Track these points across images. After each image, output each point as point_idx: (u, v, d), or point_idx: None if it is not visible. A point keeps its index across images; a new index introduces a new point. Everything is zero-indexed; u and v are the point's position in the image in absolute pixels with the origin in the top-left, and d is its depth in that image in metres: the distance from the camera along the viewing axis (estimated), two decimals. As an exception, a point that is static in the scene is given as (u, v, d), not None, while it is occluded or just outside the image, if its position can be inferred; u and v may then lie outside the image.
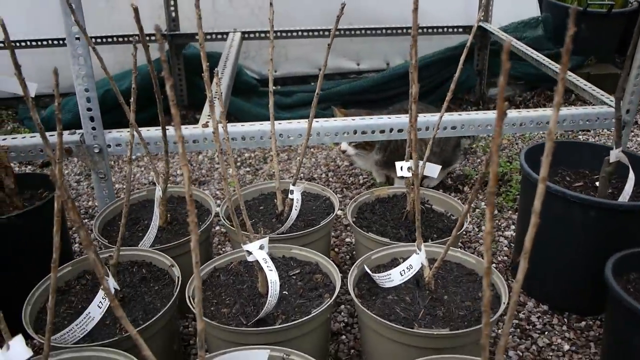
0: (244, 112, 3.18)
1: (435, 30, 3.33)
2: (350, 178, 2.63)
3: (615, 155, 1.65)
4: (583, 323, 1.71)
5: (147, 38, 3.23)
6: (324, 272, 1.50)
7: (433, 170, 1.78)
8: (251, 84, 3.34)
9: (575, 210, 1.60)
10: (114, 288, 1.38)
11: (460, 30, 3.36)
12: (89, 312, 1.32)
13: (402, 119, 1.99)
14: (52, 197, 1.84)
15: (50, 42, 3.08)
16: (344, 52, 3.49)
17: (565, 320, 1.73)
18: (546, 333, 1.67)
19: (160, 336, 1.36)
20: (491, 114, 2.03)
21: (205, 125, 1.94)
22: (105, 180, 1.95)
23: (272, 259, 1.53)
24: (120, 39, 3.15)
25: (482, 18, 3.32)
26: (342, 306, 1.78)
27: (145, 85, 1.76)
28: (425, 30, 3.27)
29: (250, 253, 1.34)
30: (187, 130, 1.93)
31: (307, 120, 1.69)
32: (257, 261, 1.36)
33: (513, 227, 2.19)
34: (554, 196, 1.59)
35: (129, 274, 1.55)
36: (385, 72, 3.43)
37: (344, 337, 1.65)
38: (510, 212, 2.30)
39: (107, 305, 1.34)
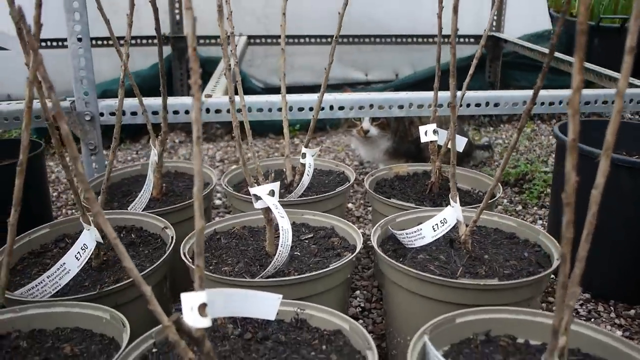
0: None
1: (446, 40, 3.23)
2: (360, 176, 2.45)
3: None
4: (632, 311, 1.50)
5: (148, 41, 3.14)
6: (341, 236, 1.30)
7: (459, 142, 1.61)
8: (255, 91, 3.22)
9: (623, 177, 1.42)
10: (96, 242, 1.17)
11: (472, 40, 3.28)
12: (64, 263, 1.11)
13: (423, 95, 1.83)
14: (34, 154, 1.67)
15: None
16: (352, 62, 3.39)
17: (612, 308, 1.51)
18: (592, 320, 1.45)
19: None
20: (516, 92, 1.88)
21: (209, 96, 1.78)
22: (96, 152, 1.76)
23: (281, 225, 1.34)
24: (122, 42, 3.04)
25: (493, 28, 3.24)
26: (358, 291, 1.56)
27: (145, 87, 1.63)
28: (434, 40, 3.18)
29: (258, 198, 1.14)
30: (190, 99, 1.76)
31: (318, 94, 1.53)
32: (266, 210, 1.16)
33: (540, 222, 2.00)
34: (595, 159, 1.42)
35: (116, 238, 1.34)
36: (394, 82, 3.32)
37: (361, 321, 1.43)
38: (535, 208, 2.11)
39: (87, 258, 1.14)
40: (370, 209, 2.07)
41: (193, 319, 0.73)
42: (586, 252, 0.77)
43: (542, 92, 1.87)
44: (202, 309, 0.73)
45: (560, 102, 1.89)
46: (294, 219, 1.38)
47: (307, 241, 1.29)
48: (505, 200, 2.17)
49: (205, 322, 0.73)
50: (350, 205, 2.11)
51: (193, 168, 1.80)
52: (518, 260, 1.17)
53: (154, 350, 0.91)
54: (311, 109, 1.76)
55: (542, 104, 1.87)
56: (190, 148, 2.79)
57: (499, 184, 1.55)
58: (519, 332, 0.96)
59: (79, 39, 1.64)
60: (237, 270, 1.16)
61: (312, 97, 1.77)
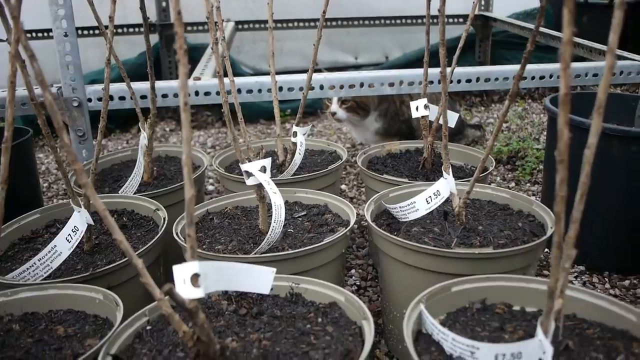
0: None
1: (434, 20, 3.21)
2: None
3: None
4: (627, 282, 1.50)
5: (135, 29, 3.09)
6: (335, 213, 1.29)
7: (451, 117, 1.60)
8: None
9: (614, 146, 1.41)
10: (88, 224, 1.16)
11: (461, 20, 3.26)
12: (55, 246, 1.09)
13: (414, 72, 1.82)
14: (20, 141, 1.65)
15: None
16: (342, 45, 3.37)
17: (606, 279, 1.52)
18: (588, 291, 1.45)
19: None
20: (506, 67, 1.87)
21: (198, 78, 1.76)
22: (85, 139, 1.74)
23: (274, 204, 1.33)
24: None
25: (482, 7, 3.22)
26: (353, 270, 1.56)
27: (133, 76, 1.60)
28: (424, 21, 3.16)
29: (250, 175, 1.13)
30: (178, 82, 1.75)
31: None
32: (257, 187, 1.15)
33: (533, 198, 2.00)
34: (587, 131, 1.41)
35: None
36: (384, 65, 3.30)
37: (356, 298, 1.42)
38: (528, 184, 2.11)
39: (78, 240, 1.12)
40: (363, 189, 2.06)
41: (186, 290, 0.72)
42: (580, 213, 0.76)
43: (532, 67, 1.86)
44: (195, 279, 0.72)
45: (551, 76, 1.89)
46: (287, 198, 1.37)
47: (300, 219, 1.28)
48: (498, 178, 2.17)
49: (198, 293, 0.72)
50: (343, 186, 2.10)
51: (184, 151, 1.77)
52: (512, 230, 1.16)
53: (148, 327, 0.90)
54: (301, 88, 1.74)
55: (533, 78, 1.87)
56: (181, 136, 2.77)
57: (492, 160, 1.54)
58: (515, 299, 0.95)
59: (63, 23, 1.62)
60: (230, 249, 1.15)
61: (301, 77, 1.75)
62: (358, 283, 1.49)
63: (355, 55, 3.42)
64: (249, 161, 1.13)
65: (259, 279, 0.88)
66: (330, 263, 1.12)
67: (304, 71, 1.61)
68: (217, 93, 1.72)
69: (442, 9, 1.15)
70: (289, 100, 3.05)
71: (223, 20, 3.07)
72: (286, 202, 1.36)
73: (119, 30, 3.01)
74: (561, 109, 0.69)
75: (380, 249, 1.17)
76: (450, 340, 0.80)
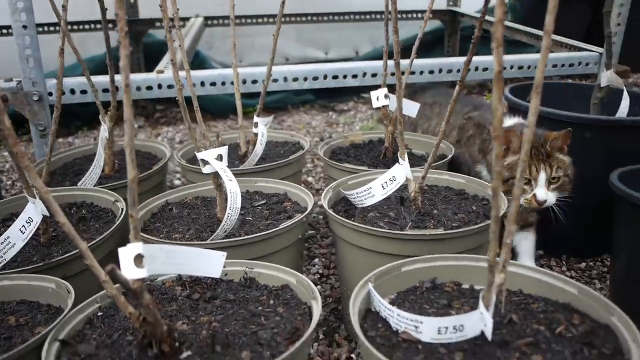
0: (205, 100, 3.00)
1: (403, 15, 3.24)
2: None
3: (606, 78, 1.53)
4: (583, 264, 1.54)
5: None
6: (294, 201, 1.30)
7: (412, 108, 1.63)
8: (215, 74, 3.18)
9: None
10: (43, 215, 1.15)
11: (430, 15, 3.28)
12: (8, 237, 1.08)
13: (376, 63, 1.84)
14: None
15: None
16: (312, 41, 3.38)
17: (564, 262, 1.56)
18: (546, 274, 1.49)
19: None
20: (479, 57, 1.90)
21: (161, 72, 1.75)
22: (46, 134, 1.72)
23: (235, 193, 1.34)
24: (75, 27, 2.97)
25: (450, 2, 3.26)
26: (317, 259, 1.57)
27: (100, 72, 1.59)
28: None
29: (206, 163, 1.14)
30: (141, 75, 1.74)
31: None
32: (214, 175, 1.16)
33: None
34: (544, 119, 1.45)
35: (66, 215, 1.32)
36: (354, 60, 3.32)
37: (319, 287, 1.44)
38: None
39: (32, 231, 1.11)
40: (330, 181, 2.07)
41: (130, 271, 0.72)
42: (520, 190, 0.79)
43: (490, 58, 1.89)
44: (139, 260, 0.72)
45: (512, 67, 1.92)
46: (248, 187, 1.37)
47: (260, 207, 1.28)
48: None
49: (142, 273, 0.72)
50: (310, 179, 2.11)
51: (149, 145, 1.78)
52: (466, 213, 1.19)
53: (100, 313, 0.90)
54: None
55: (485, 69, 1.90)
56: (149, 133, 2.76)
57: (452, 147, 1.57)
58: (465, 278, 0.98)
59: (22, 16, 1.60)
60: (187, 237, 1.15)
61: (265, 70, 1.76)
62: (321, 271, 1.50)
63: (326, 51, 3.43)
64: (205, 149, 1.14)
65: (209, 263, 0.88)
66: (287, 249, 1.13)
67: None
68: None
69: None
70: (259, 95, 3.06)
71: (192, 17, 3.02)
72: (247, 192, 1.37)
73: (87, 27, 2.98)
74: (494, 86, 0.71)
75: (336, 235, 1.19)
76: (395, 316, 0.82)
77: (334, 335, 1.24)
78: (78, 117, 2.90)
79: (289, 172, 1.49)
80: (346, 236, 1.14)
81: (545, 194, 1.34)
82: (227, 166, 1.20)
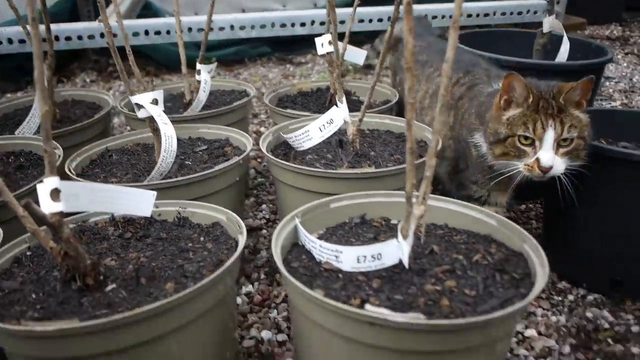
0: (158, 51, 2.93)
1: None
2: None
3: (549, 23, 1.55)
4: (523, 206, 1.60)
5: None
6: (235, 146, 1.31)
7: (358, 56, 1.63)
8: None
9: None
10: (-25, 161, 1.13)
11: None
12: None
13: (324, 11, 1.82)
14: None
15: None
16: (269, -7, 3.31)
17: (505, 205, 1.61)
18: (486, 216, 1.54)
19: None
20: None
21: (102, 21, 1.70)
22: (-15, 84, 1.67)
23: (178, 140, 1.33)
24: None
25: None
26: (264, 205, 1.58)
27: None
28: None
29: (140, 107, 1.12)
30: (83, 24, 1.69)
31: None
32: (150, 119, 1.15)
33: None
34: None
35: (3, 164, 1.30)
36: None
37: (264, 231, 1.46)
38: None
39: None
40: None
41: (47, 206, 0.73)
42: (441, 125, 0.81)
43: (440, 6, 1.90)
44: (55, 194, 0.72)
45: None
46: (190, 134, 1.37)
47: (201, 152, 1.29)
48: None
49: (58, 207, 0.72)
50: (262, 129, 2.11)
51: (93, 95, 1.75)
52: (402, 154, 1.21)
53: (28, 253, 0.90)
54: (211, 29, 1.72)
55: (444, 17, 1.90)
56: (102, 87, 2.69)
57: (396, 93, 1.59)
58: (393, 214, 1.00)
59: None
60: (124, 181, 1.15)
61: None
62: (267, 216, 1.52)
63: (284, 4, 3.37)
64: (139, 93, 1.13)
65: (139, 202, 0.89)
66: (225, 191, 1.14)
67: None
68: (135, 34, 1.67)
69: None
70: (215, 48, 3.01)
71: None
72: (189, 138, 1.37)
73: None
74: (404, 17, 0.72)
75: (276, 178, 1.20)
76: (318, 247, 0.85)
77: (275, 275, 1.27)
78: (28, 73, 2.81)
79: (234, 119, 1.49)
80: (284, 178, 1.15)
81: (551, 158, 1.07)
82: (172, 114, 1.19)
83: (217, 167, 1.10)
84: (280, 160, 1.11)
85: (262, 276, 1.27)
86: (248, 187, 1.70)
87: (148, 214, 0.89)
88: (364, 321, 0.68)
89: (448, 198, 1.00)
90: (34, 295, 0.78)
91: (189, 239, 0.93)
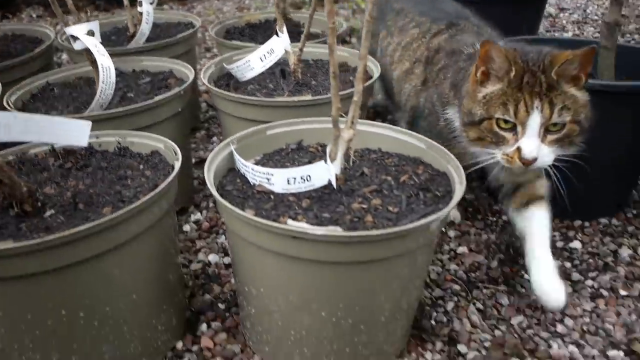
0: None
1: None
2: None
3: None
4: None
5: None
6: (179, 77, 1.31)
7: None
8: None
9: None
10: None
11: None
12: None
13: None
14: None
15: None
16: None
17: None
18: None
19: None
20: None
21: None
22: None
23: (121, 73, 1.32)
24: None
25: None
26: (214, 137, 1.61)
27: None
28: None
29: (76, 39, 1.11)
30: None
31: None
32: (87, 51, 1.14)
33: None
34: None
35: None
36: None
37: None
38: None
39: None
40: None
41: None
42: (366, 50, 0.83)
43: None
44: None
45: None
46: (134, 66, 1.36)
47: (144, 85, 1.28)
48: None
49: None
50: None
51: (34, 29, 1.71)
52: (343, 83, 1.24)
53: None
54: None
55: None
56: (49, 22, 2.60)
57: (343, 22, 1.59)
58: (330, 139, 1.04)
59: None
60: (65, 114, 1.15)
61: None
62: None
63: None
64: (74, 24, 1.11)
65: (74, 132, 0.90)
66: (168, 121, 1.15)
67: None
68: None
69: None
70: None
71: None
72: (133, 71, 1.36)
73: None
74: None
75: (219, 109, 1.22)
76: (250, 170, 0.88)
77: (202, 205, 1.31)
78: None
79: (179, 51, 1.47)
80: (226, 108, 1.17)
81: (536, 148, 0.89)
82: (116, 47, 1.17)
83: (157, 98, 1.11)
84: (219, 90, 1.13)
85: (211, 204, 1.31)
86: (199, 121, 1.71)
87: (84, 144, 0.91)
88: (287, 235, 0.73)
89: (382, 124, 1.04)
90: (-28, 223, 0.81)
91: (129, 167, 0.96)
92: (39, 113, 1.17)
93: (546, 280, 0.95)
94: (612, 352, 0.96)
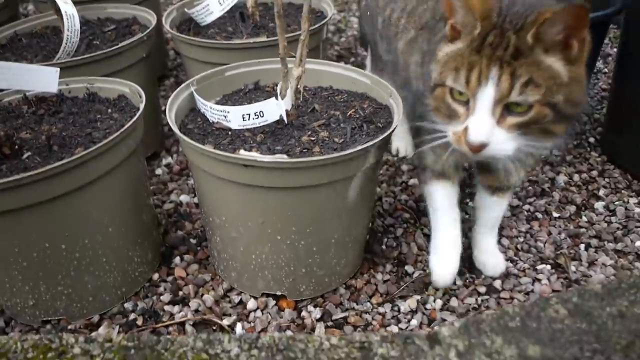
0: None
1: None
2: None
3: None
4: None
5: None
6: (144, 24, 1.36)
7: None
8: None
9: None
10: None
11: None
12: None
13: None
14: None
15: None
16: None
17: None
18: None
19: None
20: None
21: None
22: None
23: (87, 22, 1.37)
24: None
25: None
26: (184, 83, 1.67)
27: None
28: None
29: (39, -12, 1.16)
30: None
31: None
32: (51, 1, 1.18)
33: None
34: None
35: None
36: None
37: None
38: None
39: None
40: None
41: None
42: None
43: None
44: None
45: None
46: (98, 14, 1.41)
47: (109, 32, 1.34)
48: None
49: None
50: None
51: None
52: (299, 24, 1.29)
53: (-52, 131, 0.99)
54: None
55: None
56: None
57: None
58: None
59: None
60: (35, 63, 1.21)
61: None
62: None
63: None
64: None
65: (43, 78, 0.97)
66: (134, 67, 1.22)
67: None
68: None
69: None
70: None
71: None
72: (98, 19, 1.41)
73: None
74: None
75: (182, 54, 1.28)
76: (209, 109, 0.97)
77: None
78: None
79: None
80: (188, 52, 1.24)
81: (486, 130, 0.71)
82: None
83: (121, 44, 1.17)
84: (180, 35, 1.19)
85: (181, 149, 1.40)
86: (167, 68, 1.76)
87: (54, 90, 0.98)
88: (240, 164, 0.82)
89: (333, 62, 1.12)
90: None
91: (98, 112, 1.03)
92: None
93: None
94: (540, 266, 1.08)
